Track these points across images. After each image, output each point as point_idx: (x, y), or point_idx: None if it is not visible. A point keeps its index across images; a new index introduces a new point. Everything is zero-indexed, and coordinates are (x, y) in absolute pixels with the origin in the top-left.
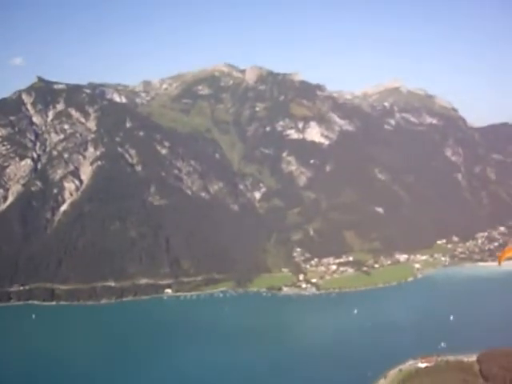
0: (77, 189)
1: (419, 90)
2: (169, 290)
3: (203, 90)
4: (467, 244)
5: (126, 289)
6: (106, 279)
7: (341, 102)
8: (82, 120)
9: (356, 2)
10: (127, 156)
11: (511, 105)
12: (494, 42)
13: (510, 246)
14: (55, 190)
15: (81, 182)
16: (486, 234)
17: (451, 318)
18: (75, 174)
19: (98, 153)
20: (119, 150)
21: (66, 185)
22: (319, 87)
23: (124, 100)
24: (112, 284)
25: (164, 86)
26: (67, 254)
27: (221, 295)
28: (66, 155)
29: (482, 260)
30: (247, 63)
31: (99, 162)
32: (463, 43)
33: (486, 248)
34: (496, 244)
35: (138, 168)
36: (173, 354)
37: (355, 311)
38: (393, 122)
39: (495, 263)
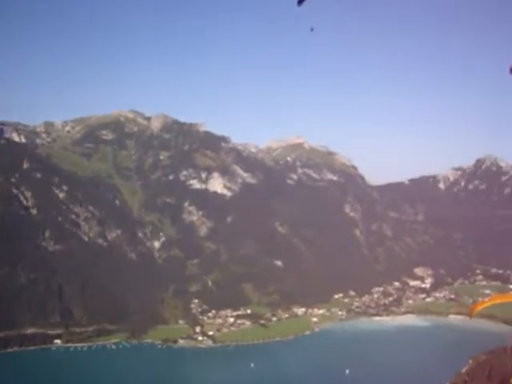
0: None
1: (321, 146)
2: (58, 341)
3: (107, 135)
4: (363, 298)
5: (11, 338)
6: None
7: (245, 154)
8: None
9: (264, 58)
10: (22, 198)
11: (407, 165)
12: (394, 106)
13: (482, 300)
14: None
15: None
16: (381, 288)
17: (347, 371)
18: None
19: None
20: (14, 191)
21: None
22: (224, 139)
23: (23, 140)
24: None
25: (67, 128)
26: None
27: (113, 347)
28: None
29: (377, 314)
30: (153, 111)
31: None
32: (364, 106)
33: (382, 303)
34: (391, 299)
35: (34, 211)
36: None
37: (252, 365)
38: (295, 176)
39: (389, 318)
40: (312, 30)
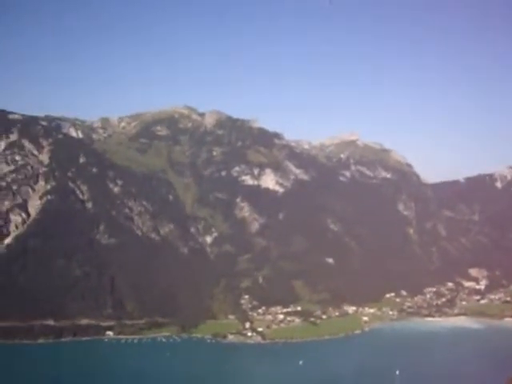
0: (23, 222)
1: (375, 143)
2: (110, 333)
3: (161, 131)
4: (415, 299)
5: (65, 328)
6: (45, 318)
7: (297, 151)
8: (35, 152)
9: (319, 53)
10: (78, 192)
11: (462, 164)
12: (449, 103)
13: None
14: (0, 222)
15: (28, 215)
16: (434, 289)
17: (397, 372)
18: (23, 206)
19: (48, 187)
20: (70, 185)
21: (12, 217)
22: (277, 135)
23: (80, 135)
24: (51, 323)
25: (122, 124)
26: (6, 290)
27: (164, 340)
28: (14, 187)
29: (429, 315)
30: (207, 107)
31: (49, 196)
32: (419, 103)
33: (434, 303)
34: (444, 299)
35: (89, 205)
36: None
37: (300, 362)
38: (348, 173)
39: (441, 319)
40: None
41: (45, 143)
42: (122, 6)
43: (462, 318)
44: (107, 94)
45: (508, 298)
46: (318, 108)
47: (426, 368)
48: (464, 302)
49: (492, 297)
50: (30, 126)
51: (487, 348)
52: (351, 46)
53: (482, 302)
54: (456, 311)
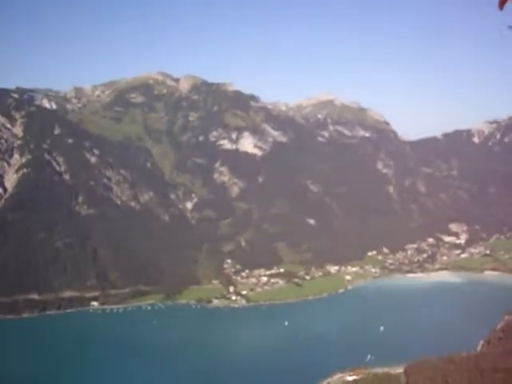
0: (0, 197)
1: (352, 103)
2: (95, 303)
3: (136, 98)
4: (397, 255)
5: (49, 302)
6: (28, 292)
7: (274, 113)
8: (8, 126)
9: (293, 15)
10: (54, 164)
11: (440, 120)
12: (426, 60)
13: None
14: None
15: (5, 189)
16: (415, 245)
17: (381, 328)
18: None
19: (23, 160)
20: (46, 157)
21: None
22: (253, 98)
23: (54, 106)
24: (35, 297)
25: (96, 92)
26: None
27: (149, 308)
28: None
29: (411, 271)
30: (181, 72)
31: (25, 170)
32: (397, 60)
33: (415, 259)
34: (425, 255)
35: (66, 176)
36: (99, 368)
37: (286, 323)
38: (326, 134)
39: (423, 274)
40: None
41: (17, 116)
42: None
43: (444, 272)
44: (80, 63)
45: (488, 252)
46: (294, 69)
47: (411, 323)
48: (445, 257)
49: (472, 251)
50: (1, 99)
51: (469, 301)
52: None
53: (463, 256)
54: (437, 266)
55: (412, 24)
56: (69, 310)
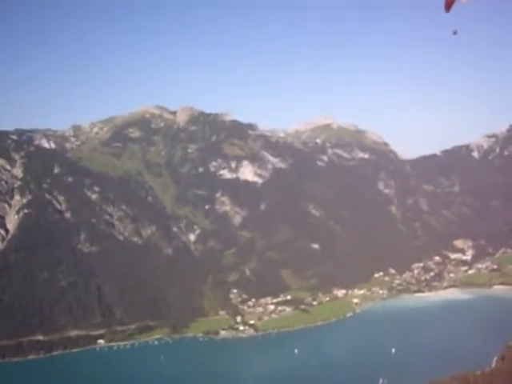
0: (2, 239)
1: (350, 125)
2: (101, 341)
3: (134, 133)
4: (404, 276)
5: (55, 342)
6: (33, 333)
7: (273, 140)
8: (8, 167)
9: (285, 43)
10: (55, 203)
11: (439, 137)
12: (420, 76)
13: None
14: None
15: (6, 231)
16: (421, 264)
17: (393, 351)
18: (0, 223)
19: (24, 200)
20: (47, 196)
21: None
22: (251, 126)
23: (53, 145)
24: (40, 338)
25: (94, 129)
26: None
27: (156, 343)
28: None
29: (419, 291)
30: (178, 104)
31: (26, 210)
32: (390, 78)
33: (423, 278)
34: (432, 274)
35: (67, 215)
36: None
37: (296, 351)
38: (325, 158)
39: (431, 293)
40: None
41: (17, 157)
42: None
43: (452, 290)
44: (78, 100)
45: (495, 266)
46: (290, 94)
47: (422, 343)
48: (452, 275)
49: (479, 266)
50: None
51: (479, 317)
52: (323, 32)
53: (470, 272)
54: (445, 284)
55: (407, 44)
56: (75, 350)
